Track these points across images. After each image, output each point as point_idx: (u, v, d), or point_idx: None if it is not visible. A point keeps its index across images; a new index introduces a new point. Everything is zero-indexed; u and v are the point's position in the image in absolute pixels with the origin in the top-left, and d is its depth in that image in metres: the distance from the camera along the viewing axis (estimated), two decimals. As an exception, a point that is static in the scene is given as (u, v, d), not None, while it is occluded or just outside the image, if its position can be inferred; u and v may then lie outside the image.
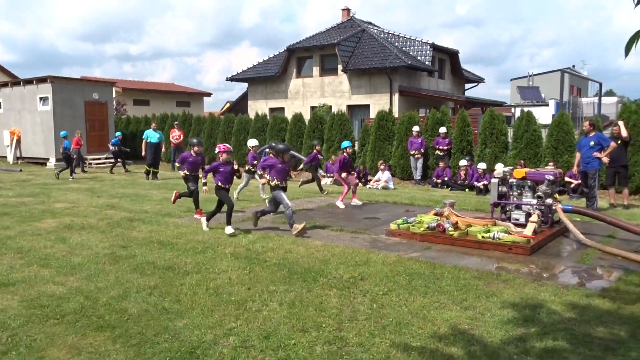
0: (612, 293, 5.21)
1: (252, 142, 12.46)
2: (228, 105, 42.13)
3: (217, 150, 8.51)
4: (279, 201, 8.20)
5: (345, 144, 11.58)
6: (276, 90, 27.54)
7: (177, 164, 9.78)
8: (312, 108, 24.76)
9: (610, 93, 69.54)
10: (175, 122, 20.99)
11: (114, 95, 25.79)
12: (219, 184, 8.22)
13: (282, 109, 26.76)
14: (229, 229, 7.95)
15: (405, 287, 5.35)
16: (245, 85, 29.74)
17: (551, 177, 7.67)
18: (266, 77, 27.24)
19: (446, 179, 15.21)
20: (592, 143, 10.40)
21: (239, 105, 34.81)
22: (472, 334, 4.18)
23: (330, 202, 11.68)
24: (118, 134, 20.58)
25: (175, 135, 19.87)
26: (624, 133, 10.91)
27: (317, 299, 5.03)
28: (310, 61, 26.80)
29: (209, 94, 41.55)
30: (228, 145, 8.49)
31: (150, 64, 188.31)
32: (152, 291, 5.26)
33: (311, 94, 26.55)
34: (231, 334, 4.20)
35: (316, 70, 26.43)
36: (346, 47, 25.20)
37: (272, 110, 27.00)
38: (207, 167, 8.78)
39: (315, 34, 28.45)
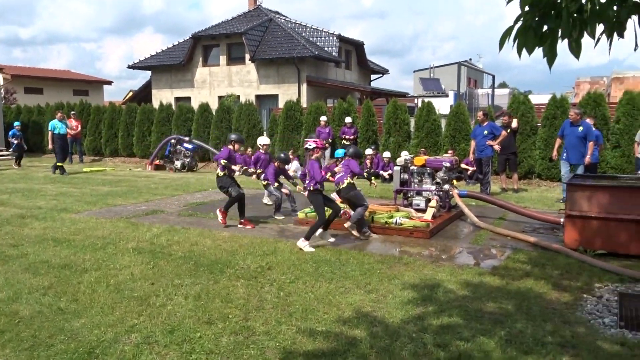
0: (502, 271, 5.63)
1: (263, 140, 10.40)
2: (131, 94, 40.26)
3: (311, 145, 7.01)
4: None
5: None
6: (182, 79, 26.73)
7: (241, 166, 8.20)
8: (220, 98, 24.31)
9: (503, 85, 74.43)
10: (72, 112, 19.77)
11: (1, 83, 23.75)
12: (318, 187, 6.88)
13: (188, 99, 26.02)
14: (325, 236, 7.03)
15: (312, 274, 5.45)
16: (149, 73, 28.59)
17: (448, 165, 8.11)
18: (171, 66, 26.35)
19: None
20: (485, 132, 11.02)
21: (143, 94, 33.39)
22: (374, 316, 4.35)
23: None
24: (17, 123, 18.91)
25: (73, 125, 18.71)
26: (514, 124, 11.80)
27: (223, 290, 4.99)
28: (216, 50, 26.26)
29: (109, 82, 39.46)
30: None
31: (44, 50, 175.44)
32: (47, 291, 4.95)
33: (218, 83, 26.06)
34: (133, 330, 4.07)
35: (223, 59, 25.95)
36: (253, 36, 24.95)
37: (177, 99, 26.18)
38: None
39: (221, 22, 27.90)
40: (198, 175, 15.72)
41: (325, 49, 25.72)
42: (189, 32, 26.77)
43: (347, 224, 7.06)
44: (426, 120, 14.87)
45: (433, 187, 8.23)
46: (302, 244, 6.41)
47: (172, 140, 17.76)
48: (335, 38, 26.34)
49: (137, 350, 3.72)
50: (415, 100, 35.11)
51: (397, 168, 8.48)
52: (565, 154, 10.24)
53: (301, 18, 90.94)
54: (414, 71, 46.90)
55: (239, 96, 23.74)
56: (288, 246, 6.59)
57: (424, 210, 7.96)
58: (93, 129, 21.02)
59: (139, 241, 6.90)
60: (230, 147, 8.08)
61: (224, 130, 18.26)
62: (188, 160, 17.38)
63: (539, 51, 2.32)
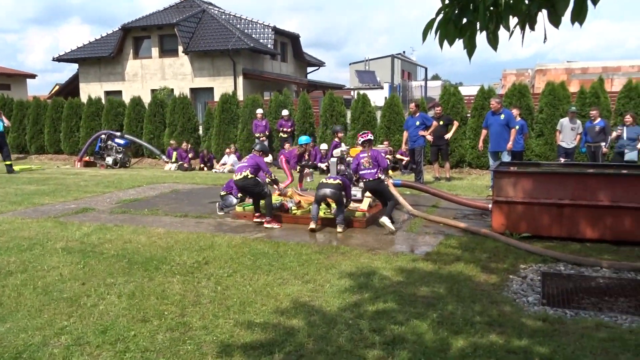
0: (434, 256, 5.83)
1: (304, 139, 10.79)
2: (57, 88, 38.31)
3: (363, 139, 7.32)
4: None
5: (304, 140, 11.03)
6: (111, 72, 25.72)
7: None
8: (153, 91, 23.59)
9: (436, 77, 76.53)
10: (-6, 108, 18.64)
11: None
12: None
13: (119, 92, 25.09)
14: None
15: (250, 267, 5.43)
16: (76, 66, 27.30)
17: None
18: (100, 58, 25.28)
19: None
20: (417, 123, 11.28)
21: (70, 88, 31.87)
22: (312, 305, 4.40)
23: (174, 188, 11.32)
24: None
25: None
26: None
27: (159, 287, 4.89)
28: (148, 41, 25.42)
29: (33, 76, 37.29)
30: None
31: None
32: (-34, 297, 4.67)
33: (151, 76, 25.26)
34: (63, 332, 3.92)
35: (155, 51, 25.17)
36: (186, 28, 24.34)
37: (107, 93, 25.16)
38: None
39: (152, 12, 27.01)
40: (131, 171, 15.24)
41: (261, 41, 25.49)
42: (119, 23, 25.77)
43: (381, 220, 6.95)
44: (362, 112, 15.10)
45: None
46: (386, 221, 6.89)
47: (103, 136, 17.13)
48: (270, 30, 26.15)
49: (68, 353, 3.60)
50: (352, 93, 35.52)
51: (333, 159, 8.58)
52: (490, 143, 10.68)
53: (236, 10, 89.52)
54: (350, 64, 47.37)
55: (172, 89, 23.16)
56: (225, 240, 6.53)
57: (360, 201, 8.10)
58: (16, 125, 19.90)
59: (68, 241, 6.63)
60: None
61: (157, 125, 17.81)
62: (120, 156, 16.82)
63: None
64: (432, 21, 2.35)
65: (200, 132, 17.83)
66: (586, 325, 3.97)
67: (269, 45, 25.41)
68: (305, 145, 10.90)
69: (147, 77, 25.30)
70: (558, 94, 13.22)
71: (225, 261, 5.65)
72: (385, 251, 6.07)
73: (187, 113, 17.39)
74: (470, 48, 2.34)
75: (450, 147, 13.06)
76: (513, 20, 2.25)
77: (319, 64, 32.26)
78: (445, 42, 2.36)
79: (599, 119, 11.15)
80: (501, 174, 6.63)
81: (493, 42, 2.29)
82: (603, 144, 11.01)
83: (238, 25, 26.41)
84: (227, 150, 15.68)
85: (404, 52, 51.08)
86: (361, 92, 17.23)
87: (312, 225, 7.01)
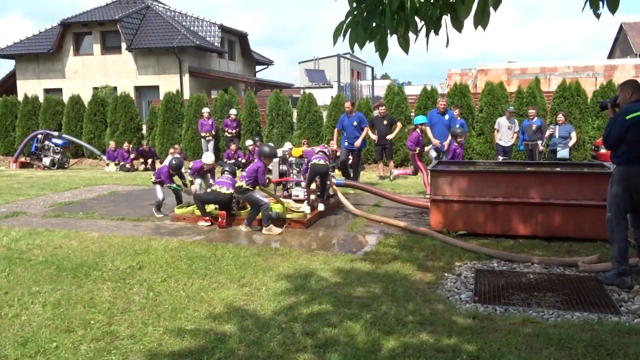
0: (373, 256, 5.86)
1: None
2: (-8, 85, 36.45)
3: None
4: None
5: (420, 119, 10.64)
6: (51, 69, 24.69)
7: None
8: (95, 89, 22.81)
9: (385, 77, 77.64)
10: None
11: None
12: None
13: (59, 90, 24.10)
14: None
15: (185, 272, 5.30)
16: (13, 62, 26.03)
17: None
18: (38, 54, 24.22)
19: (243, 160, 15.44)
20: (355, 123, 10.85)
21: (6, 86, 30.39)
22: (246, 309, 4.33)
23: (113, 189, 10.96)
24: None
25: None
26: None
27: (87, 295, 4.69)
28: (89, 37, 24.55)
29: (-35, 72, 35.41)
30: None
31: None
32: None
33: (93, 73, 24.40)
34: (-23, 347, 3.69)
35: (97, 48, 24.34)
36: (129, 24, 23.65)
37: (47, 91, 24.13)
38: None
39: (94, 8, 26.09)
40: (69, 173, 14.67)
41: (208, 39, 25.08)
42: (61, 18, 24.66)
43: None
44: (308, 111, 15.10)
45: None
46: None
47: (40, 136, 16.42)
48: (217, 28, 25.77)
49: (-20, 369, 3.39)
50: (302, 92, 35.55)
51: (275, 160, 8.50)
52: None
53: (184, 7, 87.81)
54: (300, 62, 47.41)
55: (115, 87, 22.46)
56: (162, 244, 6.36)
57: (302, 201, 8.06)
58: (-55, 124, 18.81)
59: (-7, 248, 6.29)
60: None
61: (98, 124, 17.24)
62: (58, 156, 16.17)
63: (417, 44, 2.41)
64: (342, 24, 2.33)
65: (144, 131, 17.36)
66: (514, 321, 4.07)
67: (216, 43, 25.03)
68: (421, 126, 10.49)
69: (88, 74, 24.43)
70: (497, 94, 13.63)
71: (160, 266, 5.49)
72: (324, 252, 6.05)
73: (129, 112, 16.91)
74: (382, 51, 2.33)
75: (394, 146, 13.24)
76: (422, 24, 2.25)
77: (268, 62, 32.05)
78: (357, 45, 2.35)
79: (536, 118, 11.55)
80: (438, 172, 6.75)
81: (404, 45, 2.29)
82: (540, 142, 11.41)
83: (184, 23, 25.90)
84: (171, 150, 15.32)
85: (353, 51, 51.46)
86: (308, 91, 17.22)
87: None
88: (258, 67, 31.56)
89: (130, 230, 7.24)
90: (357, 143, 10.76)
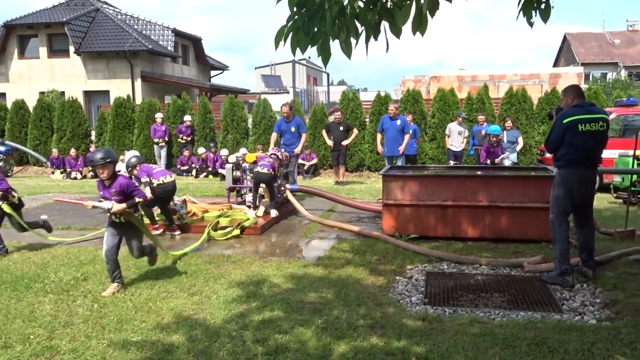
0: (326, 261, 5.87)
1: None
2: None
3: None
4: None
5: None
6: (-7, 72, 23.69)
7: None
8: (42, 94, 22.01)
9: (342, 83, 78.29)
10: None
11: None
12: None
13: (2, 95, 23.14)
14: None
15: (133, 282, 5.16)
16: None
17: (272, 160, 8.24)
18: (-21, 57, 23.21)
19: (194, 165, 15.20)
20: (292, 129, 10.28)
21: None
22: (196, 319, 4.24)
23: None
24: None
25: None
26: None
27: (27, 308, 4.50)
28: (35, 40, 23.69)
29: None
30: None
31: None
32: None
33: (39, 77, 23.52)
34: None
35: (43, 51, 23.51)
36: (78, 27, 22.97)
37: (-11, 95, 23.15)
38: None
39: (40, 9, 25.18)
40: (13, 181, 13.97)
41: (161, 43, 24.62)
42: (3, 19, 23.69)
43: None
44: (263, 116, 15.03)
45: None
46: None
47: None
48: (170, 32, 25.33)
49: None
50: (258, 97, 35.38)
51: (228, 166, 8.42)
52: (386, 148, 11.02)
53: (138, 11, 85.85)
54: (256, 68, 47.21)
55: (63, 92, 21.74)
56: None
57: (256, 207, 7.99)
58: None
59: None
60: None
61: (44, 130, 16.61)
62: (0, 164, 15.46)
63: (372, 49, 2.40)
64: (284, 28, 2.33)
65: (93, 137, 16.86)
66: (462, 322, 4.15)
67: (169, 48, 24.60)
68: (496, 136, 10.40)
69: (34, 78, 23.56)
70: (448, 100, 13.94)
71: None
72: (277, 258, 6.01)
73: (77, 117, 16.37)
74: (324, 55, 2.34)
75: (349, 152, 13.34)
76: (362, 29, 2.27)
77: (223, 67, 31.74)
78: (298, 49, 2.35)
79: (485, 124, 11.88)
80: (389, 177, 6.83)
81: (346, 50, 2.30)
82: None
83: (135, 26, 25.34)
84: (121, 157, 14.90)
85: (309, 57, 51.72)
86: (264, 96, 17.15)
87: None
88: (213, 72, 31.21)
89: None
90: (297, 150, 10.24)
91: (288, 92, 36.12)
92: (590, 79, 33.66)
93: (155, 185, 6.91)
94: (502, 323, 4.12)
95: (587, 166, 4.97)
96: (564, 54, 40.77)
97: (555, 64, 41.29)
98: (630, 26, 40.89)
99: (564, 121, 4.89)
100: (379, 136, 11.14)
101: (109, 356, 3.62)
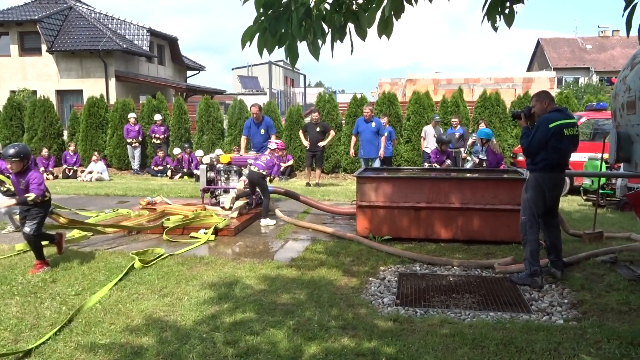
0: (299, 262, 5.86)
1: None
2: None
3: (273, 146, 7.94)
4: None
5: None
6: (-38, 70, 23.10)
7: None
8: (13, 93, 21.53)
9: (319, 84, 78.39)
10: None
11: None
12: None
13: (-28, 93, 22.61)
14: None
15: (103, 284, 5.07)
16: None
17: (252, 161, 8.21)
18: (-53, 55, 22.60)
19: (169, 166, 15.04)
20: (262, 131, 10.10)
21: None
22: (166, 321, 4.20)
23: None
24: None
25: None
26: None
27: (-7, 311, 4.39)
28: (6, 38, 23.19)
29: None
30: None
31: None
32: None
33: (10, 76, 23.03)
34: None
35: (14, 49, 23.04)
36: (50, 25, 22.56)
37: (-42, 94, 22.55)
38: None
39: (11, 7, 24.66)
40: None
41: (136, 42, 24.33)
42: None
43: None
44: (239, 117, 14.97)
45: (240, 185, 8.24)
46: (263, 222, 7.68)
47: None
48: (145, 31, 25.05)
49: None
50: (234, 98, 35.16)
51: (202, 167, 8.36)
52: (361, 150, 11.09)
53: (113, 10, 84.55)
54: (233, 69, 46.93)
55: (34, 91, 21.32)
56: (79, 255, 6.06)
57: (230, 209, 7.95)
58: None
59: None
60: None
61: (14, 130, 16.27)
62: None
63: (353, 53, 2.40)
64: (250, 29, 2.32)
65: (65, 137, 16.56)
66: (432, 322, 4.18)
67: (144, 47, 24.32)
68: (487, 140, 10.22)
69: (5, 77, 23.06)
70: (423, 103, 14.07)
71: (75, 278, 5.23)
72: (251, 259, 5.98)
73: (49, 117, 16.07)
74: (292, 56, 2.34)
75: (325, 154, 13.36)
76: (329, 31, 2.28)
77: (199, 68, 31.51)
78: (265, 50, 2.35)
79: (458, 127, 12.02)
80: (364, 179, 6.86)
81: (314, 51, 2.31)
82: (462, 149, 11.88)
83: (110, 25, 24.99)
84: (94, 157, 14.68)
85: (287, 58, 51.56)
86: (240, 97, 17.08)
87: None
88: (190, 73, 30.96)
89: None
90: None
91: (265, 94, 35.93)
92: (563, 83, 34.34)
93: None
94: (472, 323, 4.17)
95: (560, 170, 5.11)
96: (537, 59, 41.54)
97: (529, 69, 42.02)
98: (602, 32, 41.86)
99: (550, 125, 4.91)
100: (353, 138, 11.19)
101: (75, 359, 3.56)
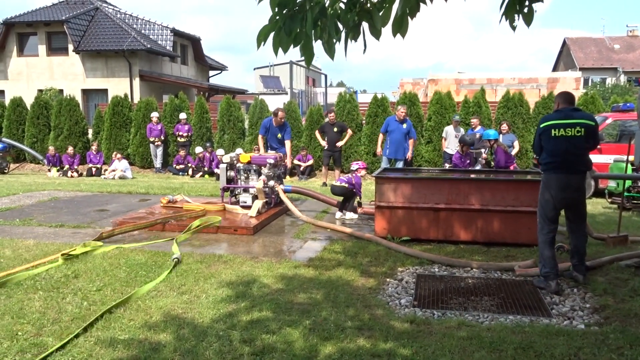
0: (317, 262, 5.86)
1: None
2: None
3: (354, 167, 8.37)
4: None
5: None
6: (-8, 70, 23.69)
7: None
8: (40, 91, 22.02)
9: (341, 84, 78.34)
10: None
11: None
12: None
13: (1, 92, 23.19)
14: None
15: (123, 280, 5.15)
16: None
17: (272, 161, 8.25)
18: (-22, 54, 23.21)
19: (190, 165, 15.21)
20: (279, 135, 9.78)
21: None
22: (184, 318, 4.24)
23: (54, 195, 10.57)
24: None
25: None
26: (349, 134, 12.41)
27: (16, 305, 4.48)
28: (34, 38, 23.73)
29: None
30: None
31: None
32: None
33: (38, 75, 23.56)
34: None
35: (42, 49, 23.55)
36: (77, 26, 23.00)
37: (-12, 93, 23.15)
38: None
39: (39, 7, 25.25)
40: (9, 178, 14.06)
41: (159, 42, 24.65)
42: (3, 17, 23.69)
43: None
44: (260, 117, 15.04)
45: (259, 184, 8.27)
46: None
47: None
48: (169, 31, 25.37)
49: None
50: (256, 98, 35.33)
51: (222, 166, 8.41)
52: (387, 150, 10.94)
53: (137, 10, 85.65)
54: (255, 68, 47.15)
55: (61, 90, 21.75)
56: (101, 251, 6.16)
57: (249, 207, 8.00)
58: None
59: None
60: None
61: (41, 128, 16.63)
62: (-3, 160, 15.48)
63: (373, 51, 2.40)
64: (266, 28, 2.33)
65: (90, 136, 16.86)
66: (450, 324, 4.15)
67: (168, 47, 24.64)
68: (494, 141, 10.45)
69: (33, 76, 23.59)
70: (445, 103, 13.96)
71: (97, 274, 5.31)
72: (268, 258, 6.01)
73: (74, 115, 16.38)
74: (307, 56, 2.34)
75: (344, 154, 13.35)
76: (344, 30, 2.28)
77: (222, 67, 31.78)
78: (280, 49, 2.35)
79: (479, 127, 11.89)
80: (382, 179, 6.83)
81: (329, 51, 2.30)
82: (483, 150, 11.74)
83: (134, 25, 25.37)
84: (118, 155, 14.92)
85: (277, 56, 51.45)
86: (261, 97, 17.17)
87: None
88: (212, 72, 31.26)
89: (69, 237, 6.98)
90: (340, 144, 11.07)
91: (286, 93, 36.07)
92: (590, 83, 33.72)
93: None
94: (490, 326, 4.13)
95: (565, 171, 4.93)
96: (564, 59, 40.85)
97: (555, 69, 41.35)
98: (630, 31, 40.97)
99: (541, 126, 5.01)
100: (380, 136, 11.01)
101: (95, 354, 3.62)
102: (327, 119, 13.13)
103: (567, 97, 5.12)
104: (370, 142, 14.02)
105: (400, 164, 10.92)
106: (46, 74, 23.46)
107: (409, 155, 10.63)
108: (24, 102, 17.31)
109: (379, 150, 11.25)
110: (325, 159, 12.52)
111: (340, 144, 12.11)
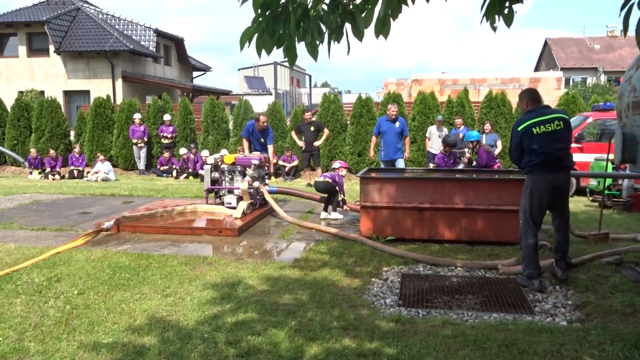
0: (302, 262, 5.86)
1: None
2: None
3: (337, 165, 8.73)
4: None
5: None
6: (-30, 71, 23.29)
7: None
8: (21, 93, 21.70)
9: (325, 85, 78.43)
10: None
11: None
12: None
13: (-20, 94, 22.80)
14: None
15: (106, 283, 5.10)
16: None
17: (257, 162, 8.24)
18: (-44, 55, 22.81)
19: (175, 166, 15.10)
20: (262, 140, 9.58)
21: None
22: (169, 320, 4.21)
23: (36, 198, 10.42)
24: None
25: None
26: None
27: (-3, 309, 4.42)
28: (14, 39, 23.40)
29: None
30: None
31: None
32: None
33: (18, 77, 23.22)
34: None
35: (23, 50, 23.23)
36: (58, 26, 22.72)
37: (-34, 94, 22.73)
38: None
39: (20, 8, 24.88)
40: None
41: (142, 43, 24.45)
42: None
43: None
44: (244, 118, 15.00)
45: (244, 185, 8.25)
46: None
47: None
48: (152, 32, 25.18)
49: None
50: (241, 98, 35.21)
51: (207, 167, 8.38)
52: (382, 152, 10.52)
53: (120, 11, 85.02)
54: (239, 69, 47.06)
55: (42, 91, 21.47)
56: (84, 254, 6.09)
57: (234, 208, 7.98)
58: None
59: None
60: None
61: (22, 130, 16.39)
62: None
63: (357, 51, 2.40)
64: (249, 29, 2.33)
65: (72, 138, 16.66)
66: (435, 323, 4.17)
67: (151, 48, 24.45)
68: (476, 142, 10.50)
69: (13, 77, 23.25)
70: (428, 103, 14.04)
71: (79, 278, 5.25)
72: (254, 260, 5.99)
73: (56, 117, 16.17)
74: (291, 57, 2.34)
75: (329, 154, 13.36)
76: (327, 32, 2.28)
77: (205, 68, 31.64)
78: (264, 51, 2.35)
79: (462, 127, 11.98)
80: (367, 179, 6.86)
81: (312, 52, 2.31)
82: (466, 150, 11.81)
83: (117, 26, 25.14)
84: (101, 157, 14.76)
85: (260, 57, 51.46)
86: (245, 97, 17.11)
87: None
88: (196, 73, 31.09)
89: (52, 240, 6.90)
90: (316, 142, 11.20)
91: (271, 94, 36.02)
92: (571, 83, 34.18)
93: None
94: (475, 325, 4.16)
95: (552, 170, 4.91)
96: (545, 59, 41.37)
97: (537, 69, 41.85)
98: (610, 32, 41.63)
99: (519, 129, 4.92)
100: (373, 139, 10.56)
101: (78, 358, 3.58)
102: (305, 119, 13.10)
103: (533, 95, 5.13)
104: (355, 142, 14.06)
105: (400, 163, 10.40)
106: (27, 75, 23.14)
107: (406, 155, 10.37)
108: (4, 104, 17.06)
109: (371, 153, 10.85)
110: (304, 161, 12.51)
111: (317, 143, 12.08)
